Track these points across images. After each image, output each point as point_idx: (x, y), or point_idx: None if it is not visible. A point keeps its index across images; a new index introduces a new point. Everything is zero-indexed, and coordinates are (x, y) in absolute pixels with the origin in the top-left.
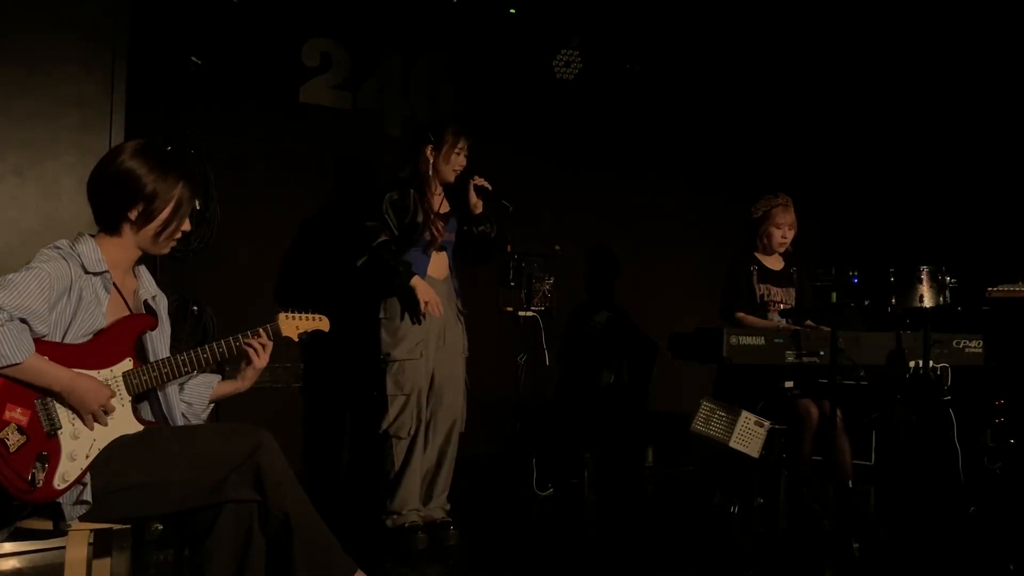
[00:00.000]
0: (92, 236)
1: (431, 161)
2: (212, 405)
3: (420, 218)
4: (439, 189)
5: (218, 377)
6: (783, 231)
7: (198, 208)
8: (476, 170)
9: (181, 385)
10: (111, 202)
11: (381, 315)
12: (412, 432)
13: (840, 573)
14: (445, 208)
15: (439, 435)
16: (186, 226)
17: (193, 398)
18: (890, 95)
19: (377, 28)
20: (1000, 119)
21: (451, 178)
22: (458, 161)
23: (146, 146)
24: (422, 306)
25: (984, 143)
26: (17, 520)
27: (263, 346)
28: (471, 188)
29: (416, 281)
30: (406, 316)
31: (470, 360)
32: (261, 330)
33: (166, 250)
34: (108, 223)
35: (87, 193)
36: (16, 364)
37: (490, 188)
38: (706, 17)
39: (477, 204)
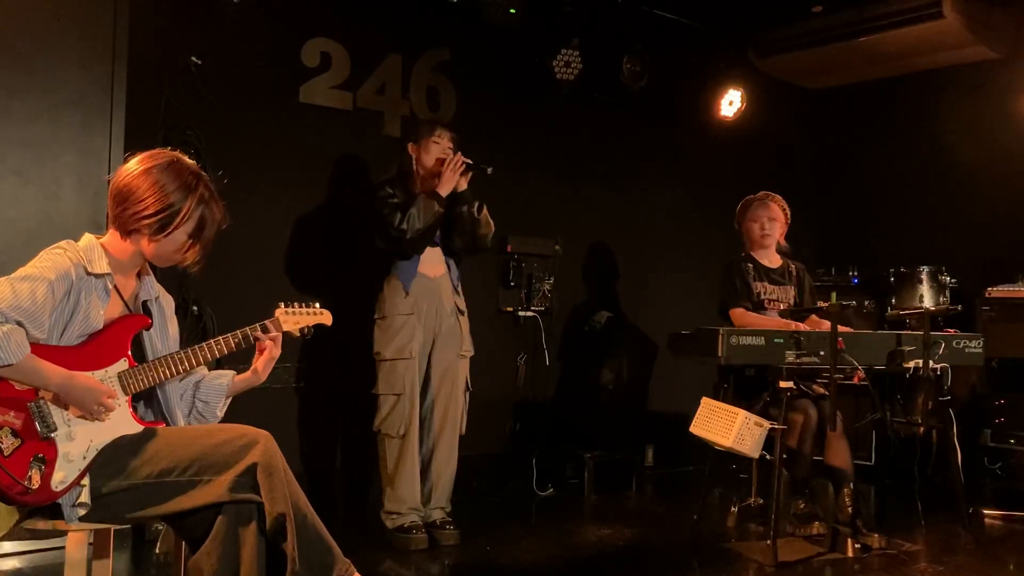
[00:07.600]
0: (97, 237)
1: (414, 156)
2: (228, 401)
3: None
4: (426, 185)
5: (232, 373)
6: (760, 223)
7: (212, 236)
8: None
9: (196, 384)
10: (133, 206)
11: (376, 315)
12: (404, 431)
13: (840, 573)
14: None
15: (434, 434)
16: (196, 250)
17: (209, 396)
18: (890, 94)
19: (377, 28)
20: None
21: (437, 168)
22: (438, 149)
23: (181, 161)
24: (451, 174)
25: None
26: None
27: (272, 339)
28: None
29: (438, 185)
30: (398, 315)
31: (471, 359)
32: (260, 325)
33: (168, 264)
34: (122, 226)
35: (110, 191)
36: (10, 365)
37: (470, 161)
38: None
39: (461, 181)
